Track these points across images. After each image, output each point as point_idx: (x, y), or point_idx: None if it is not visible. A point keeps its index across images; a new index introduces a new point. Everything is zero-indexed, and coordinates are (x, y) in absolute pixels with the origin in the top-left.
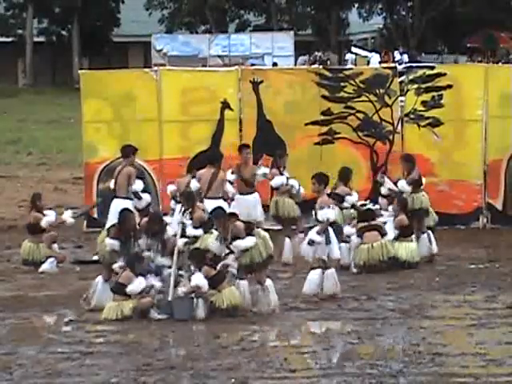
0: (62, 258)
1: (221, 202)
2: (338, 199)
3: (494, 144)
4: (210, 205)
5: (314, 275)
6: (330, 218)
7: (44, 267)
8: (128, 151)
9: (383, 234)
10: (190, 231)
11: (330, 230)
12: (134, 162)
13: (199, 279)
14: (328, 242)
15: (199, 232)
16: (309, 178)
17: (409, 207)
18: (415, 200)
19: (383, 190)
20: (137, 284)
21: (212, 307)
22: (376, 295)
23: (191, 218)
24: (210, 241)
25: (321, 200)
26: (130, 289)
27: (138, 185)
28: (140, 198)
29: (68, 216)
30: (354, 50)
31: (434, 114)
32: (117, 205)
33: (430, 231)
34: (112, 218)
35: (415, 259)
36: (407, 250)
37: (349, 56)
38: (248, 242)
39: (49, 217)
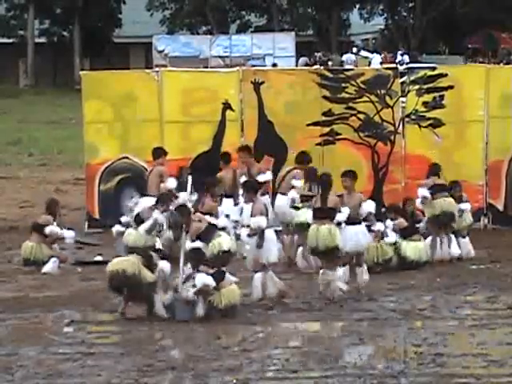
0: (65, 258)
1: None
2: None
3: (494, 145)
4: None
5: (256, 279)
6: (262, 226)
7: (47, 268)
8: (159, 153)
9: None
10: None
11: (268, 234)
12: (164, 163)
13: (205, 277)
14: (259, 246)
15: (198, 244)
16: None
17: (431, 212)
18: (435, 205)
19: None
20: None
21: (210, 306)
22: (377, 296)
23: (187, 232)
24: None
25: (254, 207)
26: None
27: (172, 183)
28: (176, 197)
29: (69, 236)
30: (355, 50)
31: (435, 115)
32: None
33: (452, 235)
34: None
35: (423, 259)
36: (415, 249)
37: (346, 57)
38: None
39: (55, 227)
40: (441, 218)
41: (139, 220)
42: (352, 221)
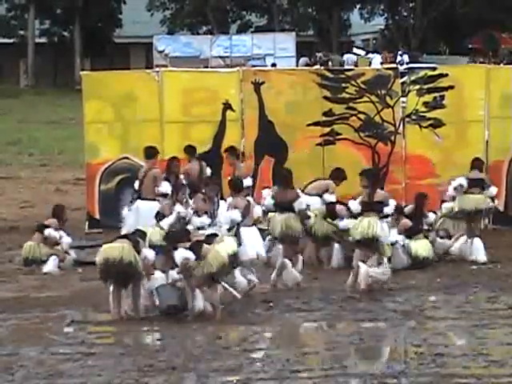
0: (63, 257)
1: None
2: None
3: (495, 145)
4: None
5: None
6: (236, 219)
7: (47, 267)
8: (153, 153)
9: None
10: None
11: (242, 231)
12: (156, 164)
13: (183, 252)
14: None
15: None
16: (310, 178)
17: (460, 208)
18: (467, 199)
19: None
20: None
21: (207, 275)
22: (378, 296)
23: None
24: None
25: (233, 202)
26: None
27: (165, 187)
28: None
29: (66, 241)
30: (355, 50)
31: (435, 115)
32: (143, 206)
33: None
34: (139, 219)
35: (432, 256)
36: (425, 247)
37: (346, 57)
38: None
39: (53, 231)
40: (470, 213)
41: (161, 217)
42: None
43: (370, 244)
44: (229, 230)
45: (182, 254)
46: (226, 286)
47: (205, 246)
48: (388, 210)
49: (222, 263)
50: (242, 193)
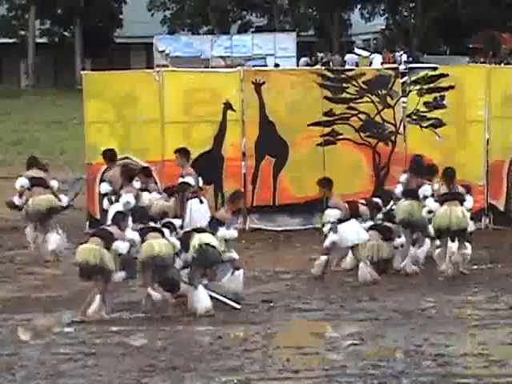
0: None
1: None
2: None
3: (496, 145)
4: None
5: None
6: (131, 202)
7: (52, 243)
8: (115, 155)
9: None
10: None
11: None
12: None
13: (131, 233)
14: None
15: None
16: (310, 178)
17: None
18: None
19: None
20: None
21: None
22: (378, 296)
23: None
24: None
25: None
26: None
27: (103, 187)
28: (110, 201)
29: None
30: (356, 50)
31: (436, 115)
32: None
33: None
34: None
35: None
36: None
37: (347, 57)
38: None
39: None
40: None
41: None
42: None
43: (457, 233)
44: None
45: (130, 234)
46: (219, 297)
47: (151, 234)
48: (469, 204)
49: (150, 255)
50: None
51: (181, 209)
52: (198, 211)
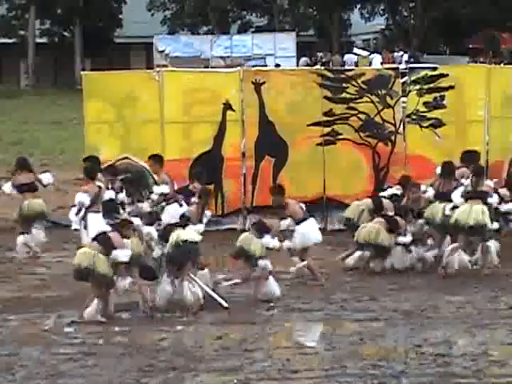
0: None
1: None
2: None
3: (495, 145)
4: None
5: None
6: (84, 202)
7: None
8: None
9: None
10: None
11: (89, 216)
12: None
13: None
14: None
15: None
16: (310, 178)
17: None
18: None
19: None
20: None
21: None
22: (378, 296)
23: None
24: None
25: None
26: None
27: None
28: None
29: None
30: (355, 50)
31: (436, 115)
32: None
33: None
34: None
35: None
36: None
37: (346, 57)
38: None
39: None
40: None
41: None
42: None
43: (478, 230)
44: (77, 213)
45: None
46: (210, 292)
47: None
48: (493, 200)
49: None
50: (94, 181)
51: (201, 215)
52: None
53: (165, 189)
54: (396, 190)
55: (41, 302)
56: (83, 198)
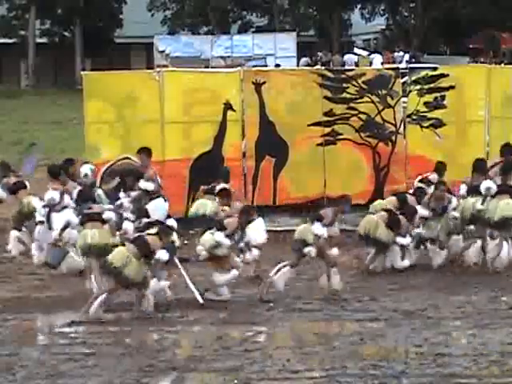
0: None
1: None
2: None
3: (496, 145)
4: None
5: None
6: (54, 199)
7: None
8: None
9: None
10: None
11: (54, 216)
12: None
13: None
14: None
15: None
16: (311, 178)
17: None
18: None
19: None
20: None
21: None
22: (378, 296)
23: None
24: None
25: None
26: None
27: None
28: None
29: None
30: (356, 50)
31: (436, 115)
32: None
33: None
34: None
35: None
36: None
37: (347, 57)
38: None
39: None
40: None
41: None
42: None
43: (500, 223)
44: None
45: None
46: (190, 286)
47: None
48: None
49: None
50: (58, 180)
51: (241, 230)
52: (164, 209)
53: (149, 186)
54: (432, 177)
55: (41, 302)
56: (54, 195)
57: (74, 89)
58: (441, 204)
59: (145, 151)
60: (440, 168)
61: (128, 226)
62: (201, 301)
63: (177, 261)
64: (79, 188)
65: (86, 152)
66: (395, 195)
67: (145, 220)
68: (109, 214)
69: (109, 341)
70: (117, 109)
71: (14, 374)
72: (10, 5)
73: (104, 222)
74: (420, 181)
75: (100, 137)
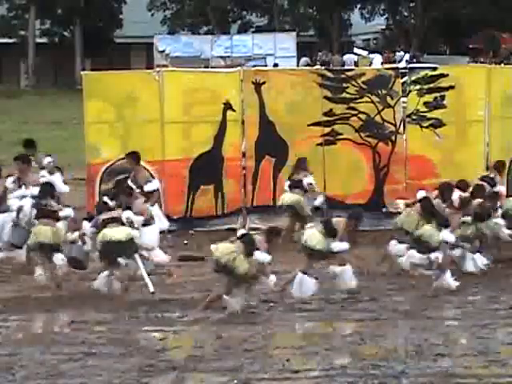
0: None
1: None
2: None
3: (496, 145)
4: None
5: None
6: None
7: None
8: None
9: None
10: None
11: None
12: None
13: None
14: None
15: None
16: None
17: None
18: None
19: None
20: None
21: None
22: (378, 296)
23: None
24: None
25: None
26: None
27: None
28: None
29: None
30: (355, 50)
31: (436, 115)
32: None
33: None
34: None
35: None
36: None
37: (346, 57)
38: None
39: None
40: None
41: None
42: None
43: None
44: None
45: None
46: (145, 277)
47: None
48: None
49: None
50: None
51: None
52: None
53: (155, 184)
54: (492, 174)
55: (41, 302)
56: (9, 181)
57: (73, 89)
58: (495, 204)
59: (132, 155)
60: (498, 167)
61: (86, 225)
62: (151, 289)
63: (137, 256)
64: (43, 181)
65: (86, 152)
66: (439, 188)
67: (102, 216)
68: (67, 212)
69: (109, 341)
70: (117, 109)
71: (13, 374)
72: (10, 5)
73: (58, 219)
74: (481, 179)
75: (100, 137)
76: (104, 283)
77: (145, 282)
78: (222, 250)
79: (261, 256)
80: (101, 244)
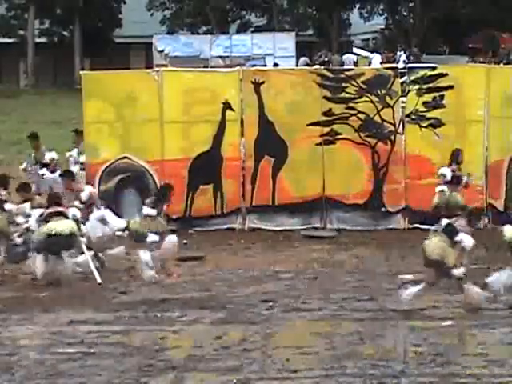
0: None
1: None
2: None
3: (495, 144)
4: None
5: None
6: None
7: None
8: None
9: None
10: None
11: None
12: None
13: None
14: None
15: None
16: (310, 178)
17: None
18: None
19: None
20: None
21: None
22: (378, 296)
23: None
24: None
25: None
26: None
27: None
28: None
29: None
30: (355, 50)
31: (435, 115)
32: None
33: None
34: None
35: None
36: None
37: (345, 57)
38: None
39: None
40: None
41: None
42: None
43: None
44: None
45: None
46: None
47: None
48: None
49: None
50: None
51: None
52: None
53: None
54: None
55: (41, 302)
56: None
57: (73, 88)
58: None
59: (67, 174)
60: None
61: (32, 222)
62: (99, 280)
63: (83, 246)
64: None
65: (85, 152)
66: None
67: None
68: (11, 206)
69: (108, 340)
70: (116, 108)
71: (13, 374)
72: (9, 4)
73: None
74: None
75: (99, 137)
76: (33, 263)
77: (92, 274)
78: (432, 245)
79: (466, 238)
80: (45, 236)
